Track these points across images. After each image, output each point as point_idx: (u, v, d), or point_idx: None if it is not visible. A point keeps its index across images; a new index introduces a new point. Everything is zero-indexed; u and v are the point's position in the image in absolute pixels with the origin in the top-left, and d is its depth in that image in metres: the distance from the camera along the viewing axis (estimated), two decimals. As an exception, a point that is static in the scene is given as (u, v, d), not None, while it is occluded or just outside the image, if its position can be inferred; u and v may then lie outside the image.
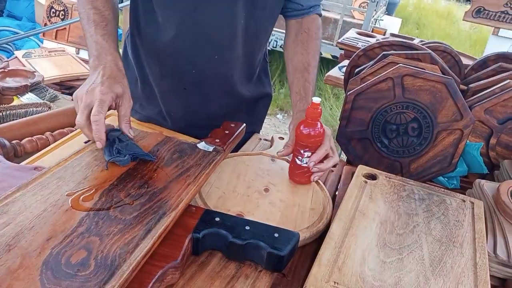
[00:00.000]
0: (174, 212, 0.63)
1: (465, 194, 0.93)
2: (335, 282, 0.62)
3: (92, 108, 0.74)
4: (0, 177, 0.69)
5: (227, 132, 0.88)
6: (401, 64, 1.05)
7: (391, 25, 4.83)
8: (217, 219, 0.68)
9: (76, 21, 2.65)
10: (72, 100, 0.80)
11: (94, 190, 0.67)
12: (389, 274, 0.65)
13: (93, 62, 0.83)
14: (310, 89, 1.01)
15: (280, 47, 4.04)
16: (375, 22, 4.24)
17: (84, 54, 3.10)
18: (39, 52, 2.39)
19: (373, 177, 0.92)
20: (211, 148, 0.82)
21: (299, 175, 0.90)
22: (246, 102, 1.18)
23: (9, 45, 3.34)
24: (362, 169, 0.94)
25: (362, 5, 4.69)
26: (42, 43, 3.09)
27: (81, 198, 0.64)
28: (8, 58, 2.41)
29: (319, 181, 0.94)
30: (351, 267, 0.66)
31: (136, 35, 1.08)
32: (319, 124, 0.87)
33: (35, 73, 1.17)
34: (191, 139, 0.93)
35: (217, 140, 0.84)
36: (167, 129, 1.10)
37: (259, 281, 0.64)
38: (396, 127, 1.07)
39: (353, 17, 4.71)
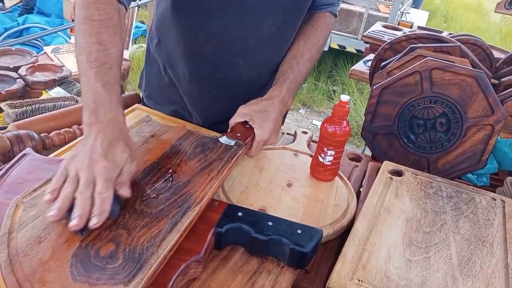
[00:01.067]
0: (199, 206, 0.64)
1: (495, 192, 0.90)
2: (359, 280, 0.61)
3: (94, 185, 0.61)
4: (28, 169, 0.71)
5: (247, 126, 0.88)
6: (429, 58, 1.02)
7: (418, 18, 4.70)
8: (240, 214, 0.68)
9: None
10: (60, 168, 0.63)
11: None
12: (415, 273, 0.63)
13: (89, 118, 0.66)
14: (289, 77, 0.99)
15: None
16: (402, 16, 4.13)
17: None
18: (67, 47, 2.45)
19: (398, 173, 0.90)
20: (232, 142, 0.82)
21: (321, 173, 0.89)
22: None
23: (38, 41, 3.43)
24: (387, 165, 0.92)
25: (388, -2, 4.59)
26: (70, 38, 3.16)
27: None
28: (37, 53, 2.48)
29: (343, 176, 0.92)
30: (375, 265, 0.64)
31: (161, 33, 1.07)
32: (345, 122, 0.86)
33: (63, 67, 1.20)
34: (213, 133, 0.93)
35: (239, 134, 0.84)
36: (190, 123, 1.10)
37: (282, 276, 0.64)
38: (423, 122, 1.04)
39: (379, 11, 4.61)
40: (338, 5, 1.11)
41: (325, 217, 0.79)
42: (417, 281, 0.62)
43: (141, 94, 1.22)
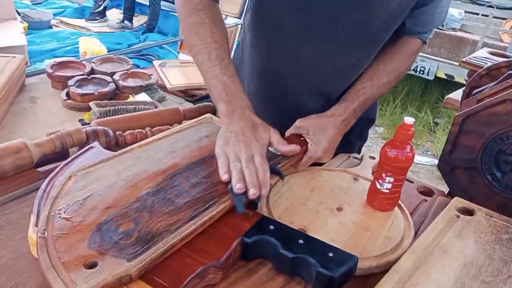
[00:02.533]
0: (224, 205, 0.64)
1: None
2: (387, 320, 0.54)
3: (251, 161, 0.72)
4: (92, 160, 0.78)
5: (302, 139, 0.85)
6: (525, 85, 0.88)
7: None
8: (272, 227, 0.65)
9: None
10: (216, 155, 0.75)
11: (161, 172, 0.73)
12: (459, 326, 0.54)
13: (227, 108, 0.78)
14: (359, 98, 0.94)
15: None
16: (528, 46, 3.68)
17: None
18: (172, 63, 2.68)
19: (469, 212, 0.79)
20: (280, 152, 0.81)
21: (378, 200, 0.82)
22: None
23: (153, 56, 3.82)
24: (457, 202, 0.82)
25: (514, 26, 4.15)
26: (178, 55, 3.46)
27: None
28: (148, 66, 2.75)
29: (404, 208, 0.84)
30: (412, 307, 0.56)
31: (243, 49, 1.11)
32: (408, 147, 0.78)
33: (151, 75, 1.31)
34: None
35: None
36: None
37: (304, 300, 0.60)
38: (512, 159, 0.90)
39: (501, 41, 4.18)
40: (430, 33, 1.02)
41: (371, 248, 0.72)
42: (459, 335, 0.53)
43: None
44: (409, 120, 0.77)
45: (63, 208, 0.62)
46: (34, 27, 4.34)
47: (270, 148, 0.82)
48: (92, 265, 0.53)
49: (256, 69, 1.04)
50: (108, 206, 0.63)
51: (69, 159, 0.77)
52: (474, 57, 1.52)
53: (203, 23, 0.83)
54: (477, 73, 1.21)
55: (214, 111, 1.27)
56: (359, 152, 1.19)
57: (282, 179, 0.81)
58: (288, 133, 0.89)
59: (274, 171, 0.77)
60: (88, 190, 0.67)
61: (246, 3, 1.05)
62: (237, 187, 0.68)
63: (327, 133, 0.87)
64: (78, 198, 0.64)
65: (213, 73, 0.79)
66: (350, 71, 0.98)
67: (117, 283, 0.52)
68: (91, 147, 0.82)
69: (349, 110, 0.93)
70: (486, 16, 3.79)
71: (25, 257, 0.64)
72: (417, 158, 3.29)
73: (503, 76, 1.08)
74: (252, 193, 0.67)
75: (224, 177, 0.70)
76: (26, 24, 3.97)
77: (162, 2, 4.76)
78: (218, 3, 0.91)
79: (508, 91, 0.90)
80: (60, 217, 0.60)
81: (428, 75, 3.76)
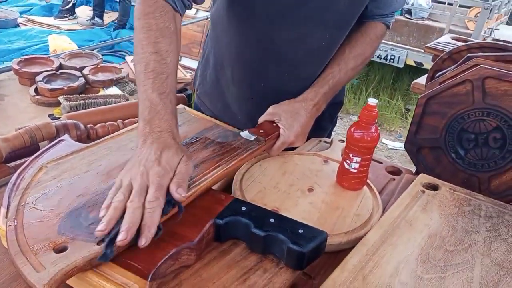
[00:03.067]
0: (195, 188, 0.65)
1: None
2: (354, 290, 0.57)
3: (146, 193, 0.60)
4: (61, 153, 0.78)
5: (275, 125, 0.87)
6: (482, 65, 0.93)
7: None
8: (244, 208, 0.67)
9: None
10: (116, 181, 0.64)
11: None
12: (422, 291, 0.57)
13: (144, 128, 0.68)
14: (328, 83, 0.97)
15: (378, 57, 3.87)
16: (490, 33, 3.81)
17: (185, 61, 3.35)
18: (145, 57, 2.66)
19: (434, 187, 0.83)
20: (252, 138, 0.82)
21: (346, 180, 0.85)
22: None
23: (126, 53, 3.77)
24: (423, 178, 0.85)
25: (478, 14, 4.28)
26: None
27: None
28: (121, 62, 2.72)
29: (372, 187, 0.87)
30: (378, 276, 0.59)
31: (214, 37, 1.12)
32: (373, 127, 0.81)
33: (121, 69, 1.30)
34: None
35: (262, 131, 0.84)
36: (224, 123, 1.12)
37: (277, 277, 0.61)
38: (474, 136, 0.94)
39: (467, 28, 4.31)
40: (392, 16, 1.06)
41: (341, 225, 0.75)
42: (423, 299, 0.56)
43: (194, 93, 1.28)
44: (372, 101, 0.79)
45: (34, 197, 0.62)
46: (-1, 25, 4.21)
47: (242, 133, 0.83)
48: (62, 250, 0.53)
49: (230, 55, 1.05)
50: (79, 194, 0.64)
51: (38, 152, 0.77)
52: (438, 43, 1.57)
53: (149, 29, 0.74)
54: (439, 57, 1.25)
55: (187, 102, 1.28)
56: (329, 137, 1.22)
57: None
58: (261, 119, 0.91)
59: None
60: (58, 180, 0.67)
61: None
62: (98, 228, 0.55)
63: (299, 118, 0.89)
64: (48, 188, 0.65)
65: (143, 87, 0.70)
66: (323, 54, 1.00)
67: (87, 266, 0.52)
68: (61, 140, 0.81)
69: (320, 94, 0.96)
70: (451, 4, 3.90)
71: (-4, 250, 0.64)
72: (390, 144, 3.37)
73: (463, 58, 1.12)
74: (120, 238, 0.54)
75: (100, 213, 0.57)
76: (-10, 23, 3.86)
77: (133, -2, 4.69)
78: (183, 14, 0.83)
79: (467, 72, 0.94)
80: (31, 206, 0.60)
81: (398, 63, 3.85)
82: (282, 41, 0.96)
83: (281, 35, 0.95)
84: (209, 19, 1.13)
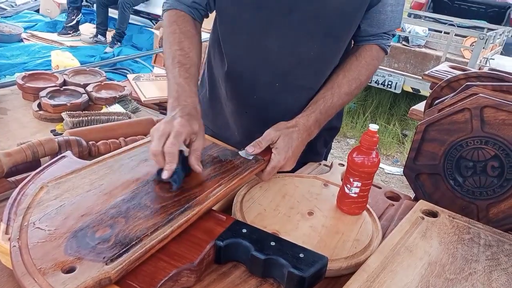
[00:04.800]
0: (199, 207, 0.66)
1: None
2: (355, 316, 0.56)
3: (167, 138, 0.74)
4: (63, 169, 0.77)
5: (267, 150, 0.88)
6: (481, 95, 0.94)
7: (506, 66, 4.38)
8: (244, 230, 0.67)
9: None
10: (149, 134, 0.79)
11: (134, 180, 0.73)
12: (423, 319, 0.57)
13: (172, 103, 0.83)
14: (320, 108, 0.97)
15: (375, 82, 3.92)
16: (486, 62, 3.89)
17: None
18: (147, 76, 2.68)
19: (433, 214, 0.83)
20: (251, 157, 0.83)
21: (347, 204, 0.85)
22: None
23: (128, 70, 3.81)
24: (422, 205, 0.86)
25: (474, 44, 4.37)
26: (153, 69, 3.46)
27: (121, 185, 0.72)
28: (122, 80, 2.74)
29: (372, 212, 0.87)
30: (379, 303, 0.59)
31: (212, 54, 1.14)
32: (374, 153, 0.82)
33: (125, 87, 1.31)
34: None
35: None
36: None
37: (277, 301, 0.61)
38: (472, 164, 0.95)
39: (463, 56, 4.40)
40: (388, 39, 1.05)
41: (341, 250, 0.75)
42: (423, 328, 0.56)
43: None
44: (373, 127, 0.81)
45: (37, 217, 0.61)
46: (3, 40, 4.25)
47: (241, 153, 0.84)
48: (70, 270, 0.53)
49: (223, 70, 1.07)
50: (83, 214, 0.63)
51: (40, 168, 0.77)
52: (436, 71, 1.59)
53: (173, 33, 0.94)
54: (438, 85, 1.27)
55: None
56: (325, 160, 1.22)
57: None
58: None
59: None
60: (61, 199, 0.66)
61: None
62: (163, 175, 0.71)
63: (291, 142, 0.89)
64: (51, 208, 0.64)
65: (172, 74, 0.88)
66: (314, 65, 1.01)
67: (96, 286, 0.52)
68: (63, 156, 0.81)
69: (311, 119, 0.96)
70: (448, 33, 3.98)
71: (-6, 266, 0.63)
72: (387, 168, 3.38)
73: (461, 87, 1.14)
74: (163, 176, 0.71)
75: (150, 157, 0.74)
76: (-6, 37, 3.90)
77: (136, 17, 4.77)
78: (201, 22, 1.01)
79: (466, 101, 0.96)
80: (34, 226, 0.60)
81: (395, 89, 3.89)
82: (272, 50, 0.97)
83: (270, 42, 0.97)
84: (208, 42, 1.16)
